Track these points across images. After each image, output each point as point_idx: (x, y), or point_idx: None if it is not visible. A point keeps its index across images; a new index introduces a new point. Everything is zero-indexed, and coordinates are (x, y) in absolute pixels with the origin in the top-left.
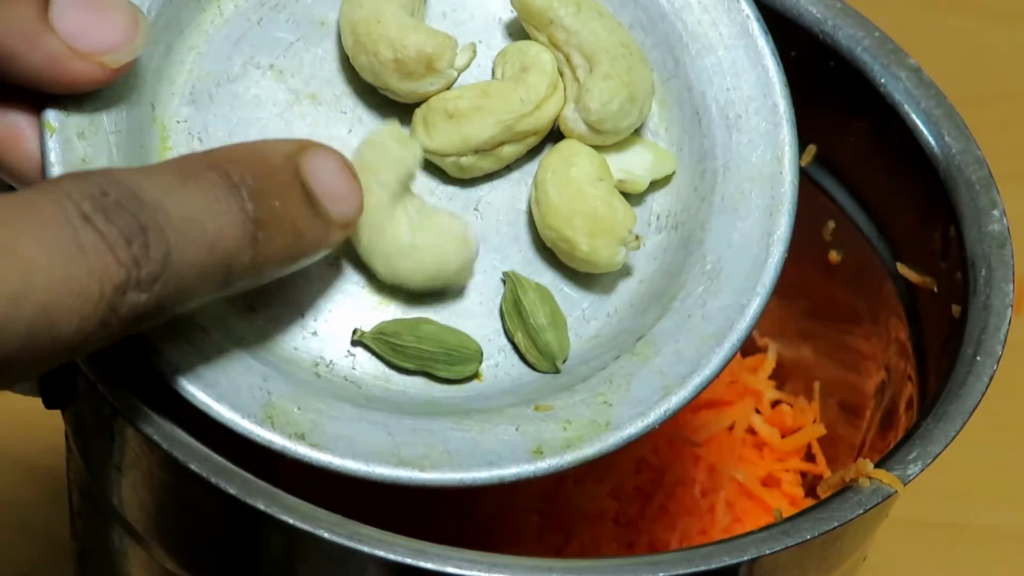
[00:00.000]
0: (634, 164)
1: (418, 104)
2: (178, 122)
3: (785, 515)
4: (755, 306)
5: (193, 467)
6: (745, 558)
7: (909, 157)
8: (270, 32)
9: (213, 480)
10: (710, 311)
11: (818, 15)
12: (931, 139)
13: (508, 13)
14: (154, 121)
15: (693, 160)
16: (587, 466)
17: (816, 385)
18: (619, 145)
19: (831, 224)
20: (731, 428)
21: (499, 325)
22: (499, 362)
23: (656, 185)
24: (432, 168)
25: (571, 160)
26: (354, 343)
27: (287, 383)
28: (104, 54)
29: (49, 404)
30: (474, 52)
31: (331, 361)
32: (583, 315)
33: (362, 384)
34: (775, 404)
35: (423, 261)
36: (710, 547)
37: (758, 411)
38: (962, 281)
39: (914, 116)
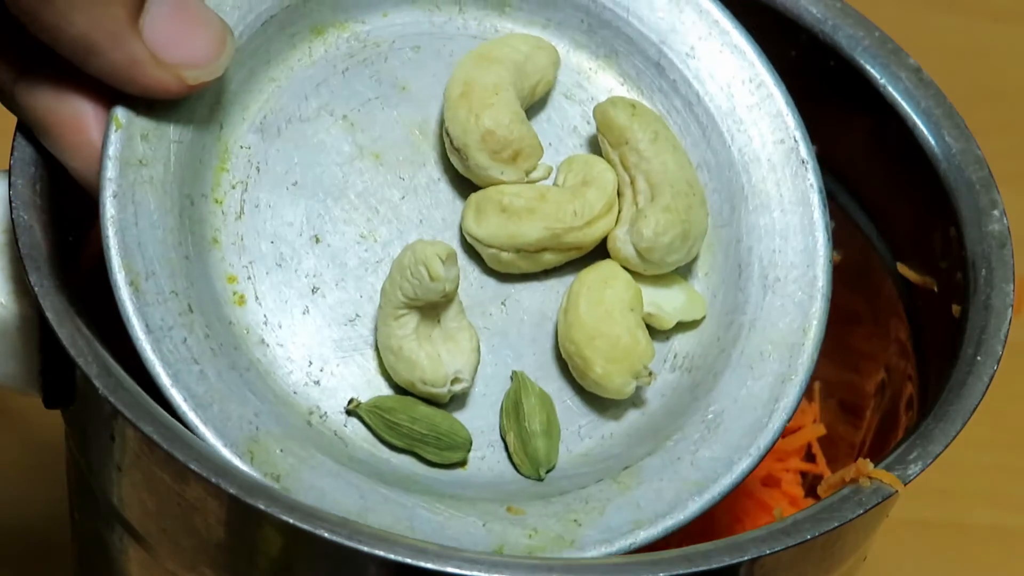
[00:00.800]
0: (666, 301)
1: (474, 187)
2: (241, 147)
3: (785, 515)
4: (744, 466)
5: (193, 467)
6: (745, 558)
7: (909, 157)
8: (352, 84)
9: (213, 480)
10: (700, 459)
11: (818, 15)
12: (931, 139)
13: (586, 125)
14: (218, 140)
15: (724, 310)
16: None
17: (816, 385)
18: (657, 279)
19: (831, 224)
20: None
21: (496, 420)
22: (486, 455)
23: (682, 326)
24: (472, 253)
25: (608, 282)
26: (348, 412)
27: (277, 424)
28: (186, 68)
29: (49, 403)
30: (550, 173)
31: (325, 413)
32: (579, 431)
33: (349, 443)
34: None
35: (420, 372)
36: (710, 547)
37: None
38: (962, 281)
39: (914, 116)
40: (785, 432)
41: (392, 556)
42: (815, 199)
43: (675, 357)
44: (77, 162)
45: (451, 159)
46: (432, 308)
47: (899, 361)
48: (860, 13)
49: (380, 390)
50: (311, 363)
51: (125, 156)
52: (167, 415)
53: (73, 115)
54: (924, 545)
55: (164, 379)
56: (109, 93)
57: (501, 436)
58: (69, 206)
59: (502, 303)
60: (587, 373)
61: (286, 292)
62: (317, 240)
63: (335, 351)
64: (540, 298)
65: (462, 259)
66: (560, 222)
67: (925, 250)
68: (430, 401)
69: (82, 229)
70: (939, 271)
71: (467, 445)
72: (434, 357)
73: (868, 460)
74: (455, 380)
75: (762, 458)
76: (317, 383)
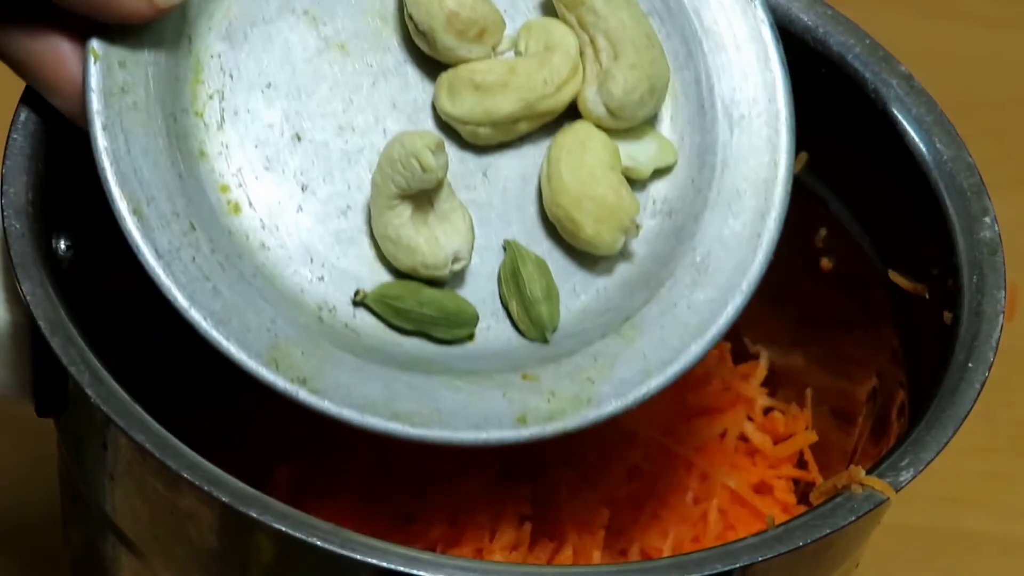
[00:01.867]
0: (639, 152)
1: (443, 66)
2: (212, 57)
3: (778, 522)
4: (737, 303)
5: (186, 475)
6: (738, 565)
7: (900, 164)
8: None
9: (206, 488)
10: (695, 302)
11: (809, 22)
12: (922, 146)
13: None
14: (190, 54)
15: (693, 153)
16: (579, 474)
17: (808, 392)
18: (628, 132)
19: (823, 231)
20: (723, 435)
21: (495, 289)
22: (491, 325)
23: (657, 173)
24: (446, 129)
25: (586, 144)
26: (356, 304)
27: (292, 327)
28: None
29: (41, 412)
30: (514, 45)
31: (334, 307)
32: (574, 288)
33: (361, 334)
34: (767, 411)
35: (420, 256)
36: (702, 554)
37: (750, 418)
38: (954, 288)
39: (905, 123)
40: (777, 439)
41: (385, 564)
42: (767, 33)
43: (654, 203)
44: (62, 99)
45: (416, 42)
46: (424, 194)
47: (891, 368)
48: (851, 20)
49: (382, 276)
50: (312, 260)
51: (107, 86)
52: (158, 425)
53: (52, 53)
54: (916, 552)
55: (182, 302)
56: (83, 27)
57: (503, 305)
58: (62, 215)
59: (483, 174)
60: (577, 234)
61: (277, 193)
62: (299, 138)
63: (333, 245)
64: (519, 164)
65: (436, 134)
66: (533, 92)
67: (916, 257)
68: (432, 282)
69: (75, 238)
70: (931, 278)
71: (474, 320)
72: (432, 241)
73: (860, 467)
74: (455, 260)
75: (753, 293)
76: (321, 279)
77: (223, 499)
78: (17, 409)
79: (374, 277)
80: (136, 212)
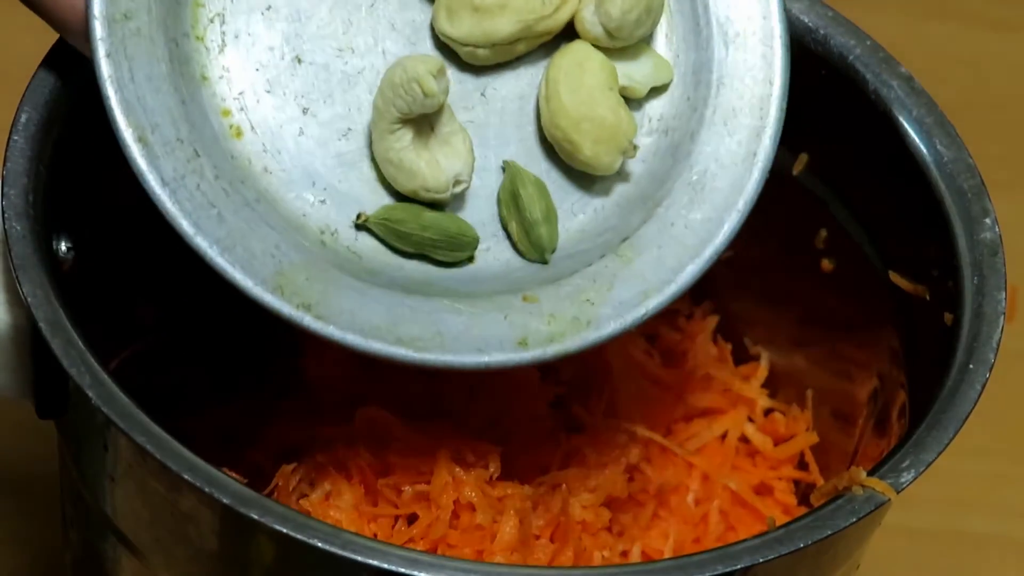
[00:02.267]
0: (636, 71)
1: None
2: None
3: (778, 523)
4: (734, 221)
5: (186, 477)
6: (738, 566)
7: (901, 165)
8: None
9: (206, 490)
10: (692, 222)
11: (809, 24)
12: (923, 147)
13: None
14: None
15: (689, 70)
16: (580, 475)
17: (809, 393)
18: (624, 50)
19: (823, 232)
20: (724, 437)
21: (495, 210)
22: (491, 247)
23: (653, 92)
24: (444, 49)
25: (584, 65)
26: (358, 227)
27: (296, 251)
28: None
29: (42, 414)
30: None
31: (336, 230)
32: (571, 208)
33: (363, 256)
34: (768, 412)
35: (421, 179)
36: (703, 555)
37: (751, 419)
38: (954, 289)
39: (906, 124)
40: (777, 440)
41: (386, 566)
42: None
43: (650, 121)
44: (65, 26)
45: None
46: (425, 118)
47: (892, 369)
48: (851, 22)
49: (383, 198)
50: (314, 183)
51: (110, 12)
52: (159, 427)
53: None
54: (917, 553)
55: (187, 228)
56: None
57: (502, 226)
58: (62, 217)
59: (481, 94)
60: (576, 155)
61: (279, 117)
62: (299, 60)
63: (335, 167)
64: (516, 84)
65: (437, 58)
66: (531, 13)
67: (917, 258)
68: (433, 204)
69: (76, 239)
70: (931, 279)
71: (475, 242)
72: (433, 164)
73: (861, 468)
74: (456, 182)
75: (748, 214)
76: (323, 202)
77: (224, 500)
78: (18, 411)
79: (375, 200)
80: (141, 140)
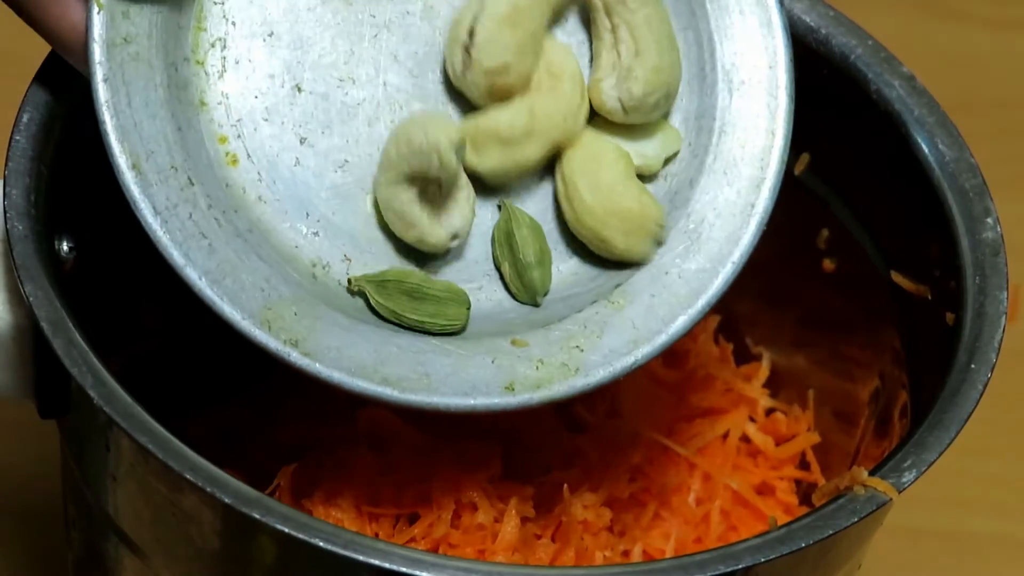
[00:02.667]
0: (647, 147)
1: (446, 22)
2: (215, 3)
3: (780, 523)
4: (727, 273)
5: (188, 476)
6: (740, 566)
7: (903, 165)
8: None
9: (208, 489)
10: (686, 272)
11: (811, 23)
12: (924, 147)
13: None
14: (193, 0)
15: (691, 115)
16: (582, 475)
17: (810, 393)
18: (636, 128)
19: (825, 232)
20: (725, 436)
21: (488, 249)
22: (483, 286)
23: (665, 162)
24: (451, 91)
25: (600, 159)
26: (351, 293)
27: (286, 285)
28: None
29: (44, 414)
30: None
31: (328, 264)
32: (565, 250)
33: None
34: (769, 412)
35: (419, 232)
36: (705, 555)
37: (752, 419)
38: (956, 289)
39: (908, 124)
40: (779, 440)
41: (388, 565)
42: (771, 1)
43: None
44: (65, 46)
45: (450, 58)
46: (435, 179)
47: (893, 369)
48: (853, 21)
49: (375, 234)
50: (308, 214)
51: (110, 36)
52: (161, 427)
53: (55, 2)
54: (918, 553)
55: (177, 259)
56: None
57: (495, 266)
58: (64, 216)
59: None
60: (611, 250)
61: (275, 145)
62: (299, 89)
63: (330, 199)
64: None
65: (449, 112)
66: (555, 130)
67: (919, 258)
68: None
69: (78, 239)
70: (933, 279)
71: (465, 320)
72: (434, 219)
73: (863, 468)
74: (453, 237)
75: (743, 265)
76: (316, 234)
77: (225, 500)
78: (20, 411)
79: (368, 234)
80: (135, 167)
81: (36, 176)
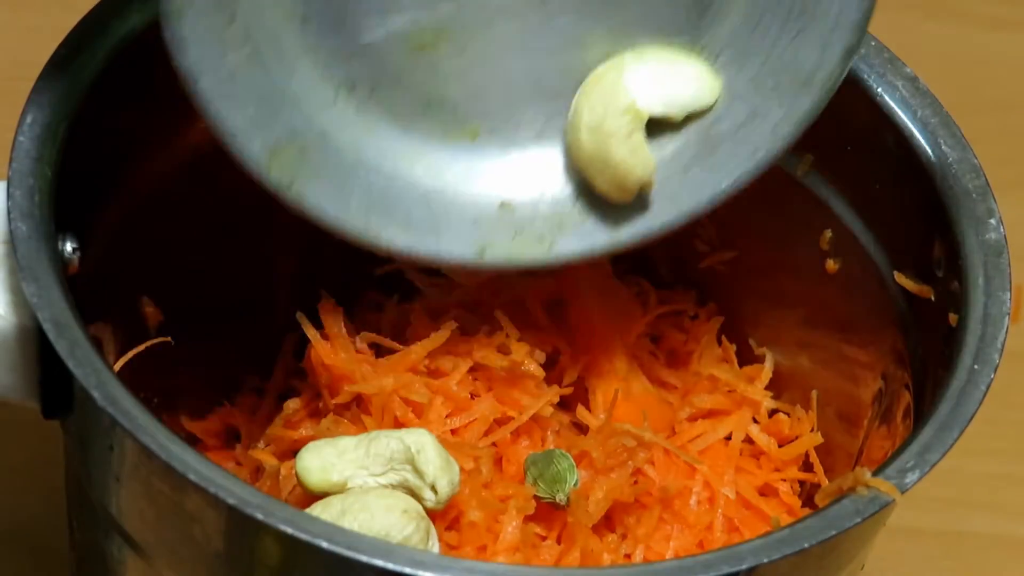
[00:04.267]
0: (677, 94)
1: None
2: None
3: (783, 524)
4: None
5: (192, 477)
6: (743, 567)
7: (906, 166)
8: None
9: (212, 490)
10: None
11: None
12: (928, 148)
13: None
14: None
15: None
16: (585, 476)
17: (813, 394)
18: (674, 56)
19: (828, 233)
20: (728, 438)
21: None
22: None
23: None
24: None
25: (609, 105)
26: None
27: (300, 116)
28: None
29: (47, 414)
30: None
31: (354, 84)
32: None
33: (371, 122)
34: (772, 413)
35: None
36: (708, 556)
37: (755, 420)
38: (959, 290)
39: (910, 125)
40: (782, 441)
41: (391, 566)
42: None
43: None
44: None
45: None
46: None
47: (896, 370)
48: None
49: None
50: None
51: None
52: (165, 427)
53: None
54: (922, 554)
55: (191, 69)
56: None
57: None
58: (68, 217)
59: None
60: (591, 184)
61: None
62: None
63: (367, 15)
64: None
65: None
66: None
67: (922, 259)
68: None
69: (81, 240)
70: (936, 280)
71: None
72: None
73: (865, 469)
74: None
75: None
76: (352, 55)
77: (229, 501)
78: (23, 411)
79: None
80: None
81: (40, 177)
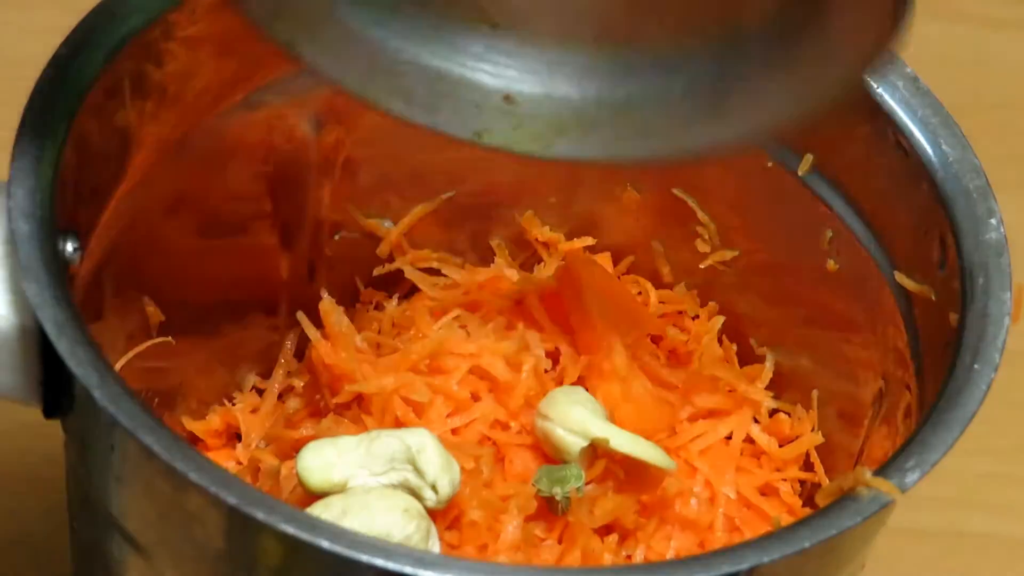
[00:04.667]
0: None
1: None
2: None
3: (784, 524)
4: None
5: (192, 477)
6: (744, 566)
7: (906, 166)
8: None
9: (212, 490)
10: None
11: None
12: (928, 147)
13: None
14: None
15: None
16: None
17: (814, 394)
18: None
19: (828, 233)
20: (729, 438)
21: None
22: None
23: None
24: None
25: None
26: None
27: None
28: None
29: (48, 414)
30: None
31: None
32: None
33: None
34: (773, 413)
35: None
36: (709, 556)
37: (756, 420)
38: (960, 290)
39: (911, 124)
40: (783, 441)
41: (392, 565)
42: None
43: None
44: None
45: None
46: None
47: (897, 370)
48: None
49: None
50: None
51: None
52: (166, 427)
53: None
54: (922, 553)
55: None
56: None
57: None
58: (69, 217)
59: None
60: None
61: None
62: None
63: None
64: None
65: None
66: None
67: (922, 259)
68: None
69: (82, 240)
70: (936, 280)
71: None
72: None
73: (866, 468)
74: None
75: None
76: None
77: (230, 501)
78: (23, 410)
79: None
80: None
81: (41, 177)
